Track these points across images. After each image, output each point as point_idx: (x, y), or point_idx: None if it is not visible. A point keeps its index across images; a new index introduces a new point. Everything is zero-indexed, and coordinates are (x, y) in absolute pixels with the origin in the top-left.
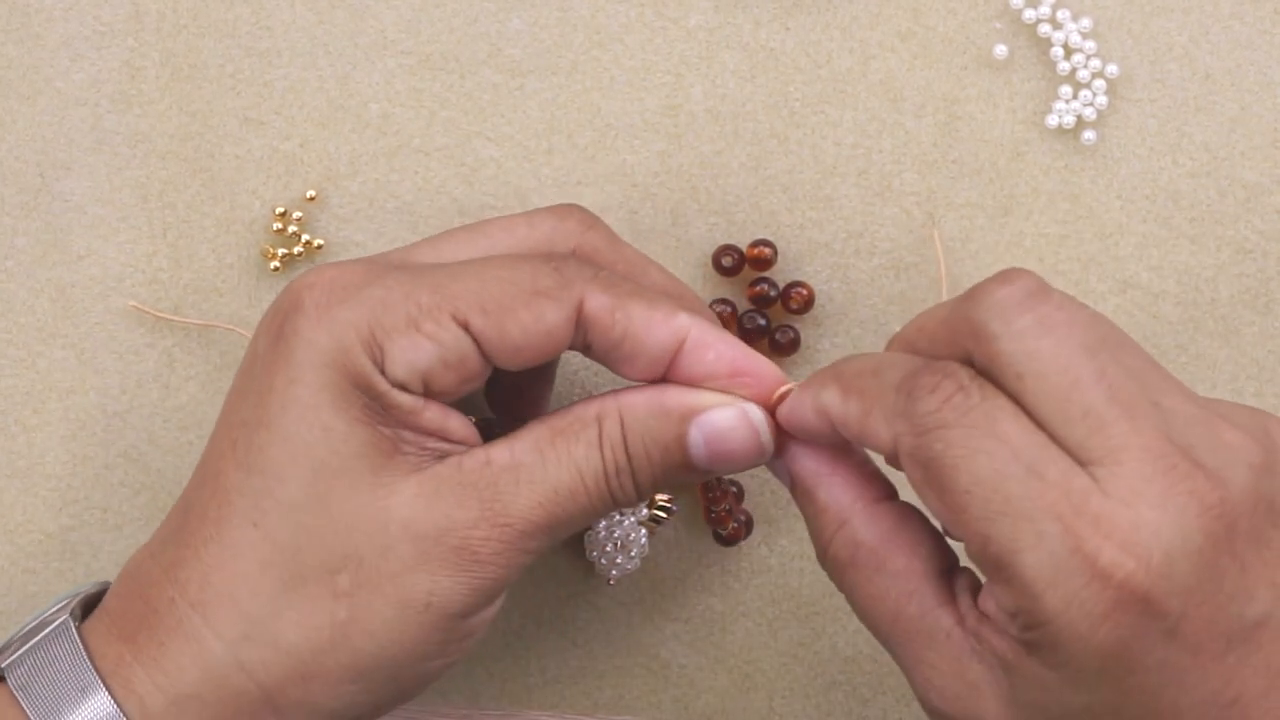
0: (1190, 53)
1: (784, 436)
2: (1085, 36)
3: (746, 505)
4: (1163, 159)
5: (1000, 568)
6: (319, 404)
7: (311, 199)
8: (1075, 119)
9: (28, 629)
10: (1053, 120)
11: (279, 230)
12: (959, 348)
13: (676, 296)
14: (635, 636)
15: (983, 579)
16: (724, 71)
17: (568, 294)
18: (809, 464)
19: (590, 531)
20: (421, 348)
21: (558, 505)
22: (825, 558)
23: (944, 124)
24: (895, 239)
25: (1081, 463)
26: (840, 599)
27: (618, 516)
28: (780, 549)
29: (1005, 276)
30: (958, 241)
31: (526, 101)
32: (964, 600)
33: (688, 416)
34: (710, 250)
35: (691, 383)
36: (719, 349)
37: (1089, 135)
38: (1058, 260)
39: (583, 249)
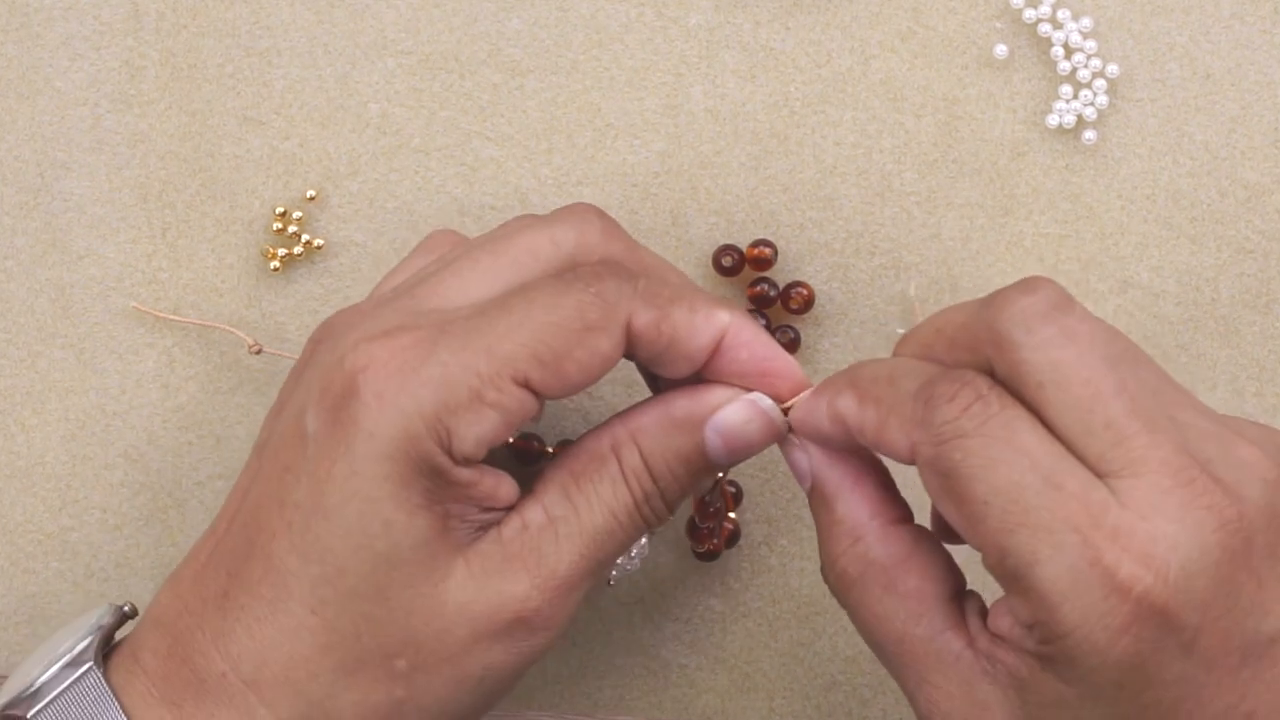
0: (1191, 52)
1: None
2: (1085, 36)
3: (745, 507)
4: (1163, 159)
5: (1018, 579)
6: (381, 497)
7: (311, 199)
8: (1075, 119)
9: (51, 674)
10: (1053, 120)
11: (279, 230)
12: (978, 355)
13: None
14: (635, 636)
15: (985, 604)
16: (724, 71)
17: (615, 320)
18: (833, 474)
19: None
20: (487, 419)
21: (598, 549)
22: (832, 571)
23: (944, 124)
24: (895, 239)
25: (1100, 474)
26: None
27: None
28: (780, 549)
29: (1028, 285)
30: (958, 241)
31: (526, 101)
32: (974, 623)
33: (701, 422)
34: (710, 250)
35: (722, 379)
36: (753, 347)
37: (1089, 135)
38: (1058, 260)
39: (607, 261)
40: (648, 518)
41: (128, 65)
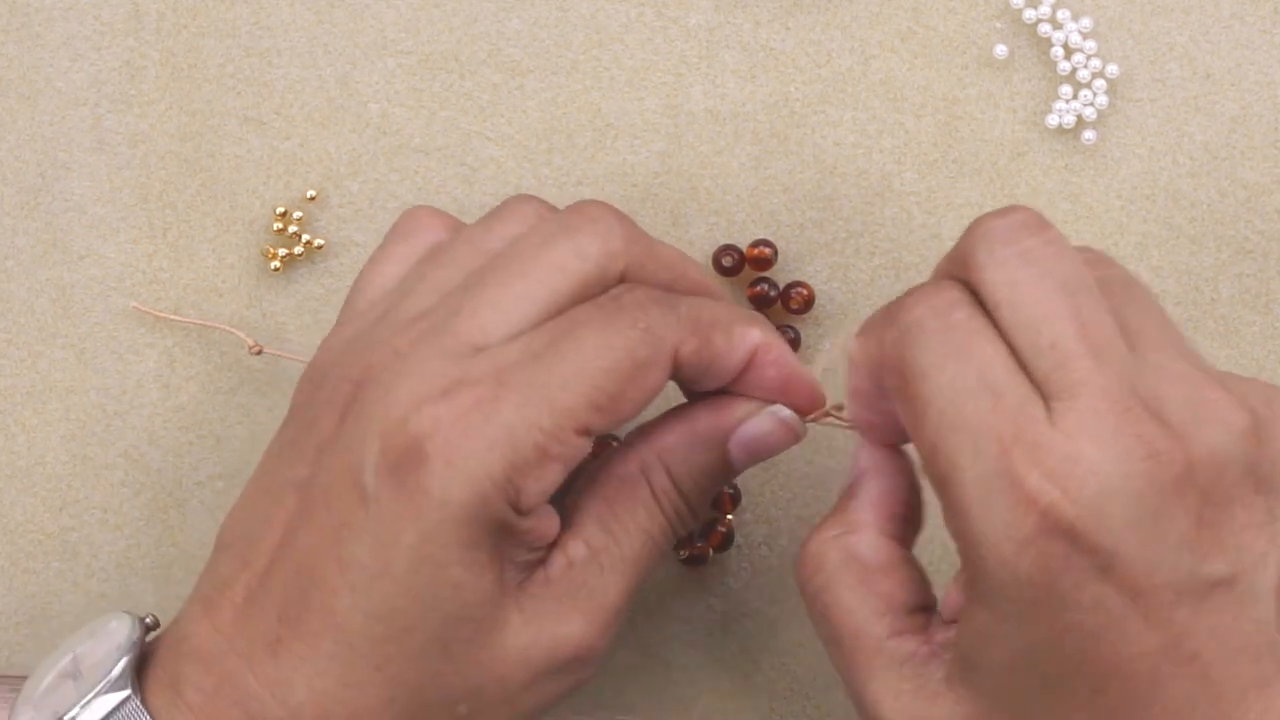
0: (1190, 52)
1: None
2: (1085, 36)
3: (744, 507)
4: (1163, 159)
5: (943, 483)
6: (451, 561)
7: (312, 199)
8: (1075, 119)
9: (85, 703)
10: (1053, 120)
11: (279, 230)
12: (953, 279)
13: (717, 298)
14: (635, 636)
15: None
16: (724, 71)
17: (663, 353)
18: (872, 476)
19: None
20: (552, 472)
21: (640, 574)
22: (816, 544)
23: (944, 124)
24: (895, 239)
25: (1044, 396)
26: None
27: None
28: (780, 549)
29: (1005, 210)
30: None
31: (526, 101)
32: (934, 629)
33: (725, 437)
34: (710, 250)
35: (748, 393)
36: (779, 365)
37: (1089, 135)
38: None
39: (632, 269)
40: (679, 533)
41: (128, 65)
